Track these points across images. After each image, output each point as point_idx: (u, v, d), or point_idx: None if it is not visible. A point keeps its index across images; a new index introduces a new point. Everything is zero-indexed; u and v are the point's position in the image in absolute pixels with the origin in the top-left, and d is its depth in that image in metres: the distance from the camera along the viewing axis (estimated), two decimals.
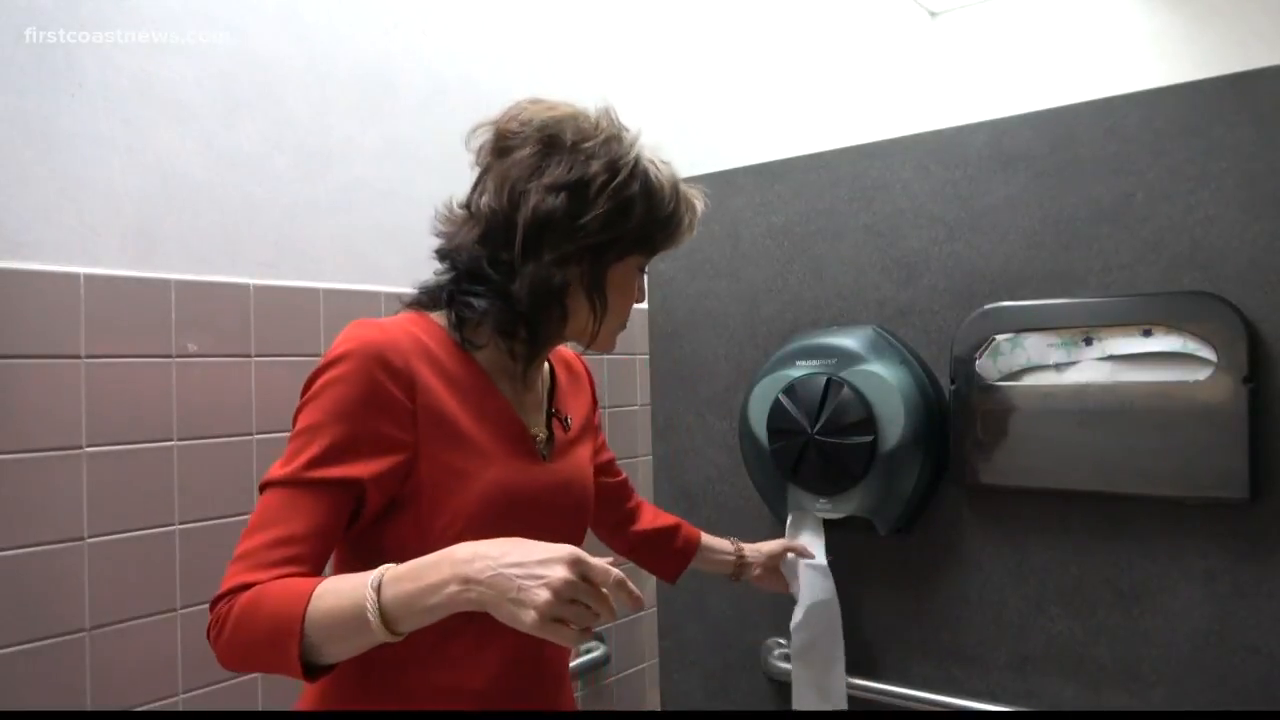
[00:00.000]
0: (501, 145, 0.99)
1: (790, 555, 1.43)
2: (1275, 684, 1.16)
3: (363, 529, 0.92)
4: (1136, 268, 1.24)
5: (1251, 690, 1.17)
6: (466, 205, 1.01)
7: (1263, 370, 1.15)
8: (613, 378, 1.99)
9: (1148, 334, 1.22)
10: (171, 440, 1.29)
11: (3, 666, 1.13)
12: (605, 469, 1.28)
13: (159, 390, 1.28)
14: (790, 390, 1.43)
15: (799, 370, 1.45)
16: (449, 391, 0.94)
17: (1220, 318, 1.16)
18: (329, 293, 1.46)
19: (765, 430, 1.47)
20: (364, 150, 1.55)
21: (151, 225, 1.30)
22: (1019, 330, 1.31)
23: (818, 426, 1.40)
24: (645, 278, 1.09)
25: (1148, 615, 1.24)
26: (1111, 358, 1.24)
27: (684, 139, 2.19)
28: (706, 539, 1.38)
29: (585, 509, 1.08)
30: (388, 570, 0.79)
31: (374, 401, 0.88)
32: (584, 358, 1.21)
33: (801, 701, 1.44)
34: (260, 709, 1.36)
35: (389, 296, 1.50)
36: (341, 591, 0.79)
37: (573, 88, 1.93)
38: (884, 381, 1.36)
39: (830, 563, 1.43)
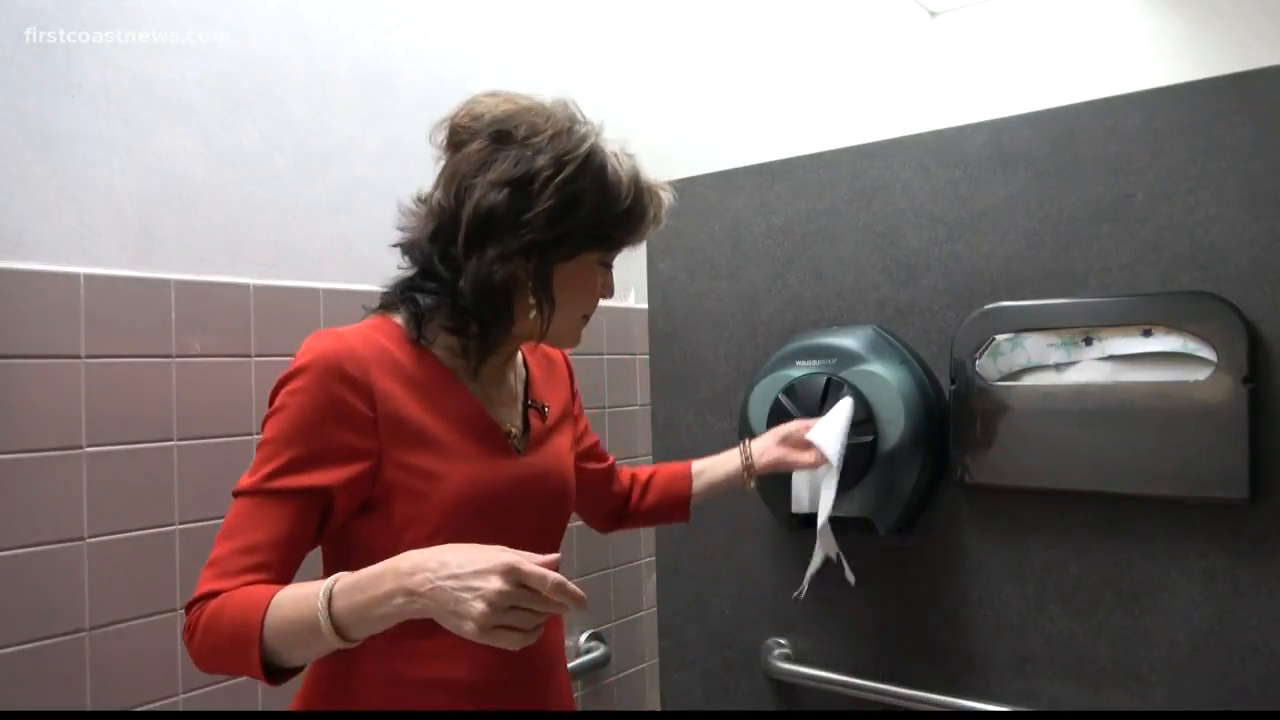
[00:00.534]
0: (455, 140, 0.99)
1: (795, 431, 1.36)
2: (1275, 684, 1.16)
3: (340, 532, 0.93)
4: (1136, 268, 1.24)
5: (1251, 690, 1.17)
6: (426, 200, 1.01)
7: (1263, 370, 1.15)
8: (613, 378, 1.99)
9: (1148, 334, 1.21)
10: (171, 440, 1.29)
11: (3, 666, 1.13)
12: (590, 454, 1.27)
13: (159, 390, 1.28)
14: (790, 390, 1.43)
15: (799, 370, 1.45)
16: (411, 394, 0.95)
17: (1220, 318, 1.16)
18: (329, 293, 1.46)
19: (765, 430, 1.47)
20: (364, 150, 1.55)
21: (151, 225, 1.30)
22: (1019, 330, 1.31)
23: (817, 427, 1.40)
24: (612, 272, 1.07)
25: (1148, 615, 1.24)
26: (1111, 358, 1.24)
27: (684, 139, 2.19)
28: (701, 475, 1.35)
29: (563, 497, 1.08)
30: (339, 580, 0.81)
31: (333, 413, 0.90)
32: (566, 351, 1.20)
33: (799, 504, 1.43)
34: (260, 709, 1.36)
35: None
36: (297, 600, 0.81)
37: (573, 88, 1.93)
38: (884, 381, 1.36)
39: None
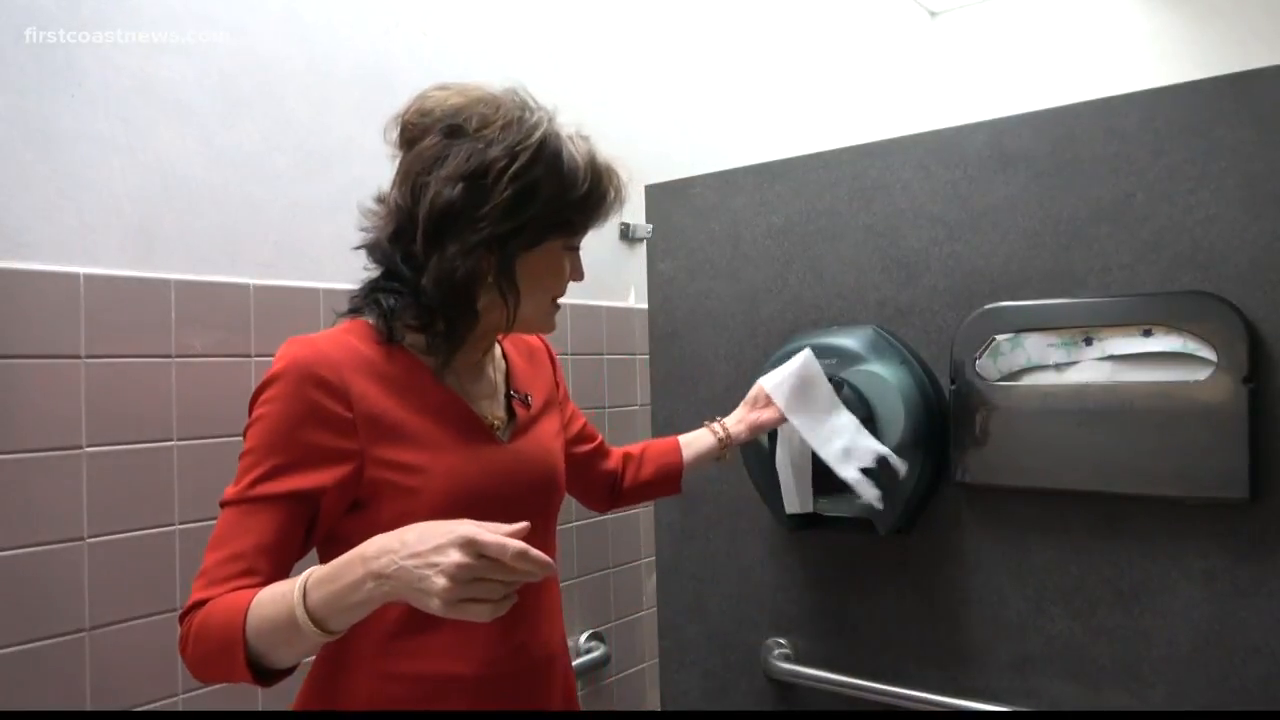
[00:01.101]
0: (407, 137, 0.99)
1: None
2: (1276, 684, 1.16)
3: (333, 535, 0.94)
4: (1136, 268, 1.24)
5: (1252, 690, 1.17)
6: (384, 200, 1.01)
7: (1263, 370, 1.15)
8: (613, 378, 1.99)
9: (1148, 334, 1.21)
10: (171, 440, 1.29)
11: (3, 666, 1.13)
12: (580, 436, 1.28)
13: (159, 390, 1.28)
14: None
15: None
16: (388, 393, 0.95)
17: (1220, 318, 1.16)
18: (329, 293, 1.46)
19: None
20: (364, 150, 1.54)
21: (151, 225, 1.30)
22: (1019, 330, 1.31)
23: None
24: (579, 255, 1.07)
25: (1148, 615, 1.24)
26: (1111, 358, 1.24)
27: (684, 139, 2.19)
28: (688, 446, 1.37)
29: (552, 483, 1.09)
30: (311, 574, 0.81)
31: (311, 417, 0.90)
32: (544, 337, 1.20)
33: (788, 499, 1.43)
34: (260, 709, 1.36)
35: None
36: (274, 599, 0.81)
37: (573, 88, 1.93)
38: (884, 381, 1.36)
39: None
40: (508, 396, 1.09)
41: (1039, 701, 1.31)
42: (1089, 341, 1.26)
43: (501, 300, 0.98)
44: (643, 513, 2.02)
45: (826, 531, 1.48)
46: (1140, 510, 1.24)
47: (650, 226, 1.74)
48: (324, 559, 0.98)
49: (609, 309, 2.00)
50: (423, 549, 0.76)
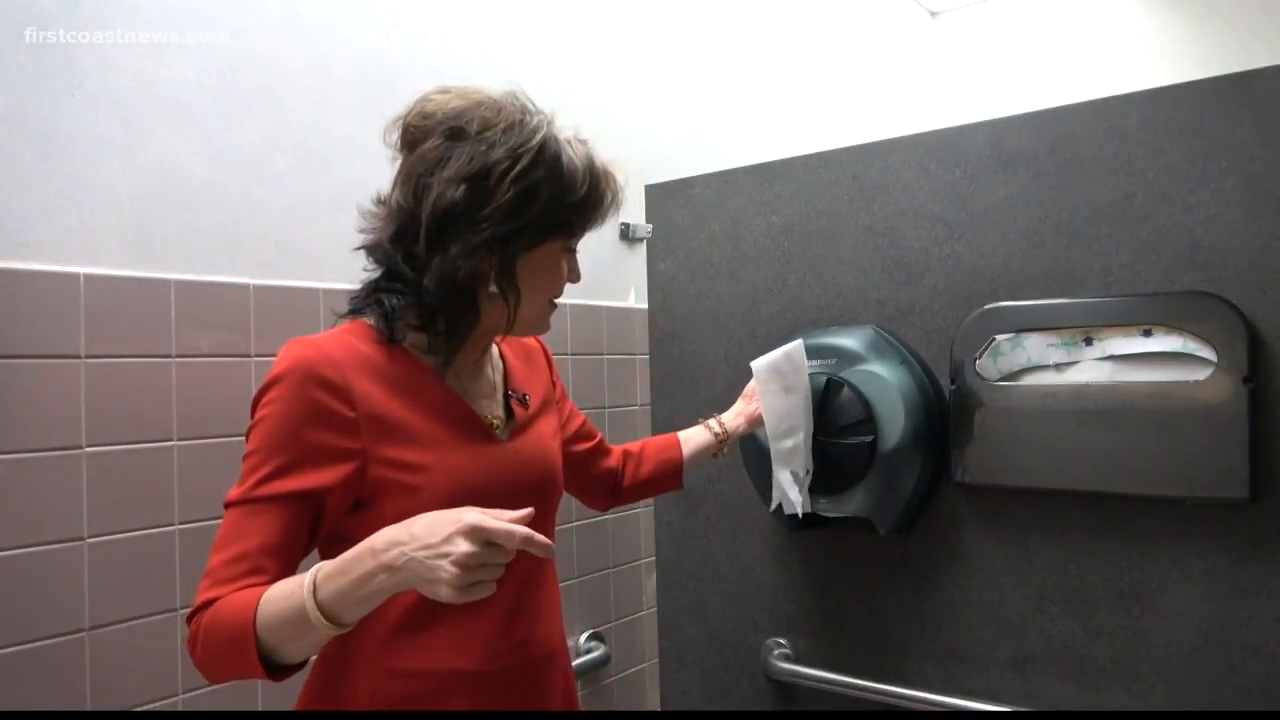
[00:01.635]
0: (409, 139, 1.00)
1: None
2: (1276, 684, 1.16)
3: (336, 535, 0.95)
4: (1136, 268, 1.24)
5: (1252, 690, 1.17)
6: (385, 201, 1.02)
7: (1263, 370, 1.15)
8: (613, 378, 1.99)
9: (1148, 334, 1.21)
10: (171, 440, 1.29)
11: (3, 666, 1.13)
12: (579, 435, 1.29)
13: (159, 390, 1.28)
14: None
15: None
16: (389, 392, 0.96)
17: (1220, 318, 1.16)
18: (329, 293, 1.46)
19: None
20: (364, 150, 1.54)
21: (151, 225, 1.30)
22: (1019, 330, 1.31)
23: (818, 426, 1.40)
24: (576, 256, 1.09)
25: (1148, 615, 1.24)
26: (1111, 358, 1.24)
27: (684, 139, 2.19)
28: (687, 442, 1.39)
29: (550, 479, 1.10)
30: (321, 569, 0.83)
31: (314, 417, 0.91)
32: (541, 338, 1.22)
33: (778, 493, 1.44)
34: (260, 709, 1.36)
35: None
36: (285, 594, 0.83)
37: (573, 88, 1.93)
38: (884, 381, 1.36)
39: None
40: (506, 396, 1.10)
41: (1039, 701, 1.31)
42: (1089, 341, 1.26)
43: (503, 300, 0.99)
44: (643, 512, 2.02)
45: (826, 531, 1.48)
46: (1140, 510, 1.24)
47: (650, 226, 1.74)
48: (325, 558, 0.98)
49: (609, 309, 2.00)
50: (433, 540, 0.78)
